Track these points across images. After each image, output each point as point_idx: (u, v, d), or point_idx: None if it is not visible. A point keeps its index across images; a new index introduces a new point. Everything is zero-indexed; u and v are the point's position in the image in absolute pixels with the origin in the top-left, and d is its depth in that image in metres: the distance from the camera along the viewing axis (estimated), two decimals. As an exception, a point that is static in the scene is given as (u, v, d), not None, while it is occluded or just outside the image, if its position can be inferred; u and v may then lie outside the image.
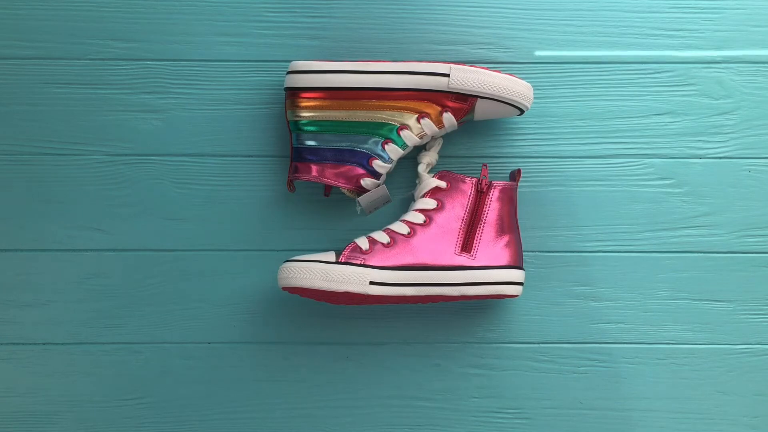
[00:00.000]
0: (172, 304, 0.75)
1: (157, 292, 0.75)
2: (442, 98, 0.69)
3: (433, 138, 0.73)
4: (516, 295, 0.70)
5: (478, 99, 0.69)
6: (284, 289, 0.69)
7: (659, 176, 0.75)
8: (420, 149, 0.74)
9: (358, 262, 0.68)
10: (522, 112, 0.71)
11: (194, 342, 0.75)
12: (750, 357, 0.75)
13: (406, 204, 0.75)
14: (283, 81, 0.74)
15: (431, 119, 0.70)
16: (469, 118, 0.71)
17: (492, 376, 0.75)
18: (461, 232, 0.70)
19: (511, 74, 0.71)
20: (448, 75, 0.69)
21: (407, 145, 0.71)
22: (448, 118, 0.70)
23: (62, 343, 0.75)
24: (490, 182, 0.71)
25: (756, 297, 0.75)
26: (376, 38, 0.75)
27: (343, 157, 0.70)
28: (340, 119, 0.70)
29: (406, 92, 0.69)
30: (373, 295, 0.67)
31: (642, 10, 0.75)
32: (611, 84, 0.75)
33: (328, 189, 0.75)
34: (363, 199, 0.72)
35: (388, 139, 0.70)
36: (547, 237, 0.75)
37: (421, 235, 0.69)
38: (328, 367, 0.75)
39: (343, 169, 0.70)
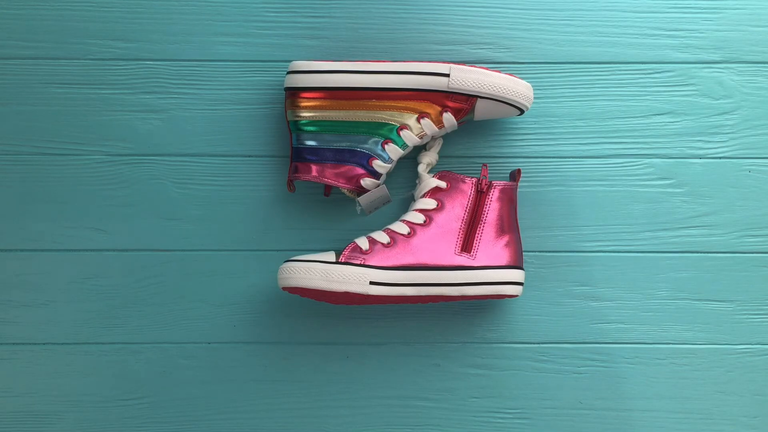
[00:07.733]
0: (172, 304, 0.75)
1: (157, 292, 0.75)
2: (442, 98, 0.69)
3: (433, 138, 0.73)
4: (516, 295, 0.70)
5: (478, 99, 0.69)
6: (284, 289, 0.69)
7: (659, 176, 0.75)
8: (420, 149, 0.74)
9: (358, 262, 0.68)
10: (522, 112, 0.71)
11: (194, 342, 0.75)
12: (750, 357, 0.75)
13: (406, 204, 0.75)
14: (283, 81, 0.74)
15: (431, 119, 0.70)
16: (469, 118, 0.71)
17: (492, 376, 0.75)
18: (461, 232, 0.70)
19: (511, 74, 0.71)
20: (448, 75, 0.69)
21: (407, 145, 0.71)
22: (448, 118, 0.70)
23: (62, 343, 0.75)
24: (490, 182, 0.71)
25: (756, 297, 0.75)
26: (376, 38, 0.75)
27: (343, 157, 0.70)
28: (340, 119, 0.70)
29: (406, 92, 0.69)
30: (373, 295, 0.67)
31: (642, 10, 0.75)
32: (611, 84, 0.75)
33: (328, 189, 0.75)
34: (363, 199, 0.72)
35: (388, 139, 0.70)
36: (547, 237, 0.75)
37: (421, 235, 0.69)
38: (328, 367, 0.75)
39: (343, 169, 0.70)
